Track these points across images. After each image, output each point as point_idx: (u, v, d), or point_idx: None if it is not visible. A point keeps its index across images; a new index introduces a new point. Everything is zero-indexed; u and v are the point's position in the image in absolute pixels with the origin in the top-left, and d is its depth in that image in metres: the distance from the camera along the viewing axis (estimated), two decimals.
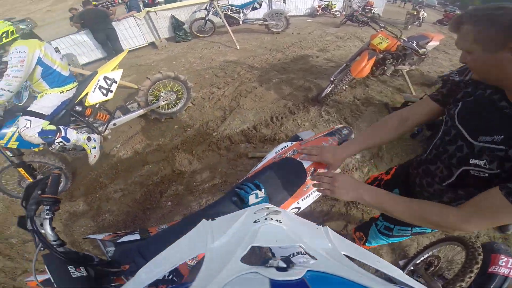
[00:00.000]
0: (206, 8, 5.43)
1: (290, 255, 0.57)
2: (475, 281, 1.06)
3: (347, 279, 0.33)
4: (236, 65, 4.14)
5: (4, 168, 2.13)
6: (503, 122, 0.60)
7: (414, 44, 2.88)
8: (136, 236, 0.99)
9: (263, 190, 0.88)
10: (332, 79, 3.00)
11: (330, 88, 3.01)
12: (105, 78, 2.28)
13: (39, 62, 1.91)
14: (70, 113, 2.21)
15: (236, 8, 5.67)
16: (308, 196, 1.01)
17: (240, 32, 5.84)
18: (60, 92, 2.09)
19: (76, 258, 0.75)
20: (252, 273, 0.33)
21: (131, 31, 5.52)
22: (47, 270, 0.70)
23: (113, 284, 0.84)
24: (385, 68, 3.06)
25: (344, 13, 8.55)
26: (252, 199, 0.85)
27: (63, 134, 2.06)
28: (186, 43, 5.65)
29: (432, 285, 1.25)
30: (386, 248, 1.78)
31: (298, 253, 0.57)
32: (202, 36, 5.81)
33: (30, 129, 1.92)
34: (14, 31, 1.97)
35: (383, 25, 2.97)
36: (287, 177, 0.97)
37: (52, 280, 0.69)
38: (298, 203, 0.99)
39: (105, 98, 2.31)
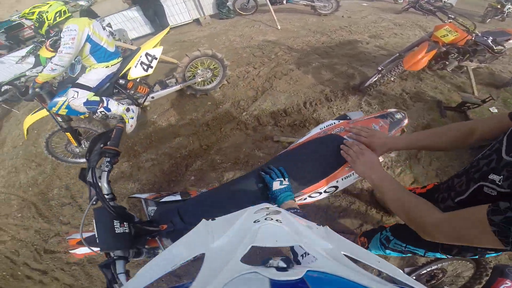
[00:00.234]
0: None
1: (304, 253, 0.57)
2: None
3: (347, 279, 0.33)
4: (275, 45, 4.05)
5: (54, 132, 2.50)
6: None
7: (489, 40, 2.49)
8: (177, 197, 1.07)
9: (287, 179, 0.89)
10: (380, 68, 2.78)
11: (376, 78, 2.78)
12: (147, 54, 2.47)
13: (88, 39, 2.14)
14: (114, 86, 2.47)
15: None
16: (349, 177, 0.99)
17: (283, 11, 5.63)
18: (106, 67, 2.35)
19: (123, 214, 0.79)
20: (252, 273, 0.33)
21: (178, 8, 5.74)
22: (94, 223, 0.77)
23: (146, 246, 0.90)
24: (447, 62, 2.69)
25: None
26: (276, 185, 0.86)
27: (105, 104, 2.34)
28: (229, 20, 5.69)
29: None
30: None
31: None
32: (244, 14, 5.78)
33: (77, 99, 2.22)
34: (67, 10, 2.23)
35: (452, 16, 2.64)
36: (329, 154, 0.95)
37: (96, 235, 0.76)
38: (337, 181, 0.98)
39: (145, 73, 2.52)
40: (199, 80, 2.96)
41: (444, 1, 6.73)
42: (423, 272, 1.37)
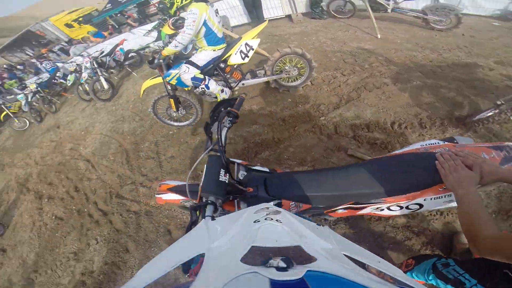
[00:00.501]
0: None
1: None
2: None
3: (347, 279, 0.34)
4: (371, 54, 3.85)
5: (162, 97, 3.07)
6: None
7: None
8: (265, 169, 1.23)
9: None
10: (499, 102, 2.33)
11: (491, 113, 2.36)
12: (246, 44, 2.75)
13: (204, 23, 2.49)
14: (215, 68, 2.85)
15: None
16: (438, 198, 0.96)
17: (386, 20, 5.23)
18: (213, 50, 2.73)
19: (227, 165, 0.96)
20: (252, 273, 0.34)
21: (273, 1, 6.06)
22: (205, 168, 0.95)
23: (223, 208, 1.01)
24: None
25: None
26: None
27: (206, 82, 2.73)
28: (321, 21, 5.68)
29: None
30: None
31: None
32: (339, 17, 5.64)
33: (187, 73, 2.66)
34: None
35: None
36: (425, 170, 0.94)
37: (203, 177, 0.94)
38: (424, 199, 0.96)
39: (242, 62, 2.82)
40: (285, 76, 3.13)
41: None
42: None
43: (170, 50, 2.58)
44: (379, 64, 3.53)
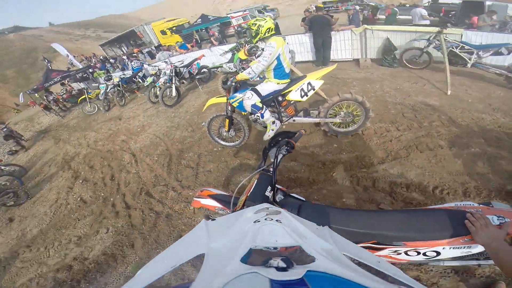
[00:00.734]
0: (428, 39, 5.07)
1: None
2: None
3: (346, 279, 0.34)
4: (434, 112, 3.67)
5: (220, 115, 3.45)
6: None
7: None
8: (301, 198, 1.39)
9: None
10: None
11: None
12: (309, 83, 2.94)
13: (277, 57, 2.76)
14: (273, 100, 3.10)
15: (469, 48, 4.76)
16: (458, 248, 0.99)
17: (462, 74, 4.88)
18: (277, 83, 3.00)
19: (275, 184, 1.17)
20: (252, 273, 0.34)
21: (343, 44, 6.27)
22: (255, 181, 1.18)
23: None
24: None
25: None
26: None
27: (263, 111, 2.99)
28: (390, 69, 5.63)
29: None
30: None
31: None
32: (411, 67, 5.50)
33: (249, 100, 2.95)
34: (273, 28, 2.78)
35: None
36: (451, 222, 0.99)
37: (251, 190, 1.15)
38: (443, 248, 0.99)
39: (300, 99, 3.01)
40: (338, 121, 3.18)
41: None
42: None
43: (243, 76, 2.91)
44: (439, 124, 3.35)
